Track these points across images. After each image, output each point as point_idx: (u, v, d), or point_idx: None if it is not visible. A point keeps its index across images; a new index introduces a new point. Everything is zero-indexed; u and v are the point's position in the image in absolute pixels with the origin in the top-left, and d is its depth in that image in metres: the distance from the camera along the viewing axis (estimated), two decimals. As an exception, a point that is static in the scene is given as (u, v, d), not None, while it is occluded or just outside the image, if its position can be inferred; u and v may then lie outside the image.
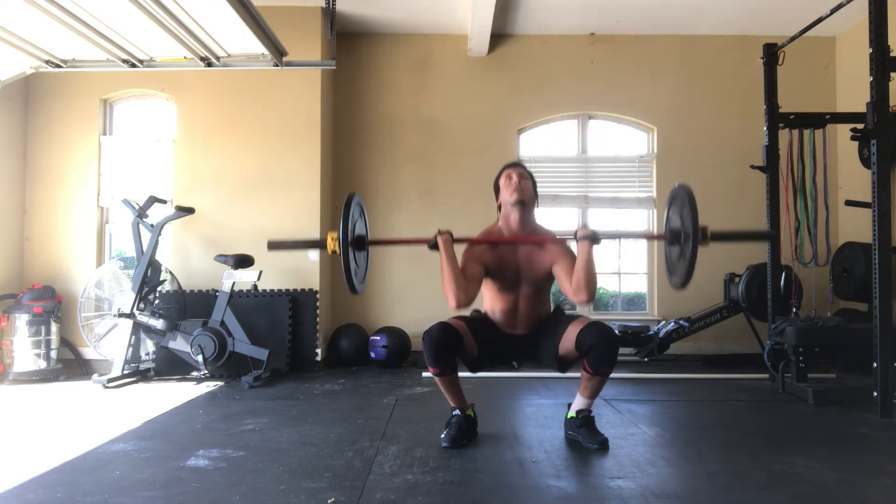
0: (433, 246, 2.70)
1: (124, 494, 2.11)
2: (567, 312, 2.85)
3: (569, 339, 2.62)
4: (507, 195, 2.76)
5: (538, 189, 2.88)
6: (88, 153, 4.89)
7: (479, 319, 2.83)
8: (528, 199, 2.75)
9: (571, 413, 2.79)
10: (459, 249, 2.71)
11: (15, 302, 4.47)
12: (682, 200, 2.65)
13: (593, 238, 2.65)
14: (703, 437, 2.90)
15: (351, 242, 2.62)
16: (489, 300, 2.82)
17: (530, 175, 2.83)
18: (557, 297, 5.44)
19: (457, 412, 2.77)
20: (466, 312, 2.75)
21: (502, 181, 2.81)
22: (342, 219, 2.60)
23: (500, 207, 2.84)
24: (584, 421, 2.72)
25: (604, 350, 2.57)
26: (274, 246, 2.87)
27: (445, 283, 2.60)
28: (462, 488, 2.17)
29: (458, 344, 2.62)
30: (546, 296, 2.85)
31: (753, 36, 5.27)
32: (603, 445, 2.63)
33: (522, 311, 2.77)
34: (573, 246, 2.71)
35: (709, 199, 5.36)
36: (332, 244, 2.61)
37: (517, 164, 2.88)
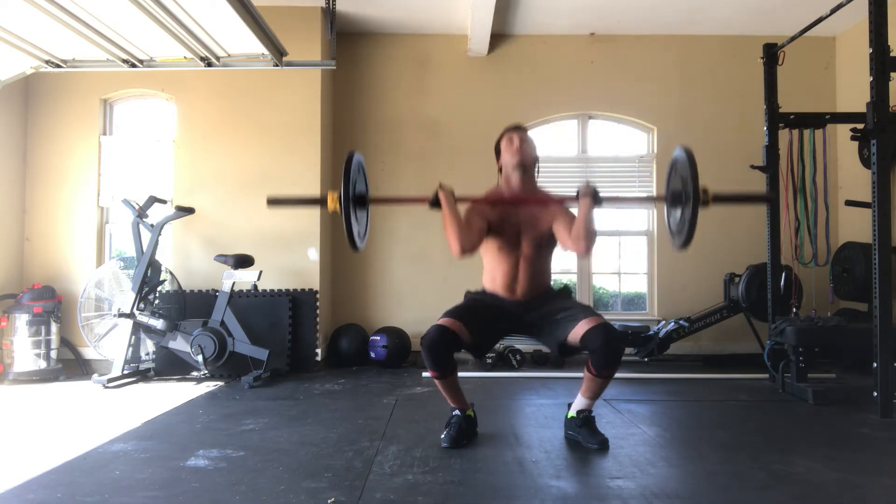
0: (434, 203, 2.68)
1: (124, 494, 2.12)
2: (578, 302, 2.83)
3: (576, 336, 2.62)
4: (509, 158, 2.79)
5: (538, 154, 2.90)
6: (88, 153, 4.89)
7: (474, 301, 2.79)
8: (529, 162, 2.79)
9: (571, 413, 2.79)
10: (461, 210, 2.69)
11: (15, 302, 4.47)
12: (682, 162, 2.62)
13: (594, 195, 2.68)
14: (703, 437, 2.90)
15: (352, 200, 2.59)
16: (489, 265, 2.80)
17: (531, 139, 2.86)
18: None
19: (457, 412, 2.77)
20: (470, 257, 2.71)
21: (503, 144, 2.84)
22: (343, 177, 2.58)
23: (500, 170, 2.87)
24: (585, 421, 2.72)
25: (608, 355, 2.58)
26: (274, 202, 2.83)
27: (449, 230, 2.61)
28: (462, 488, 2.17)
29: (455, 345, 2.62)
30: (547, 261, 2.84)
31: (753, 36, 5.27)
32: (603, 445, 2.63)
33: (523, 275, 2.75)
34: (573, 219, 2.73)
35: (709, 199, 5.41)
36: (332, 203, 2.60)
37: (519, 127, 2.89)
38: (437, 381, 2.72)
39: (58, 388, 4.15)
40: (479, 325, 2.70)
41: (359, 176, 2.71)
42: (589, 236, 2.61)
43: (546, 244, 2.79)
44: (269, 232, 4.78)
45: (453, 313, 2.69)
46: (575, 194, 2.70)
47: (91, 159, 4.89)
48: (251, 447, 2.67)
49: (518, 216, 2.76)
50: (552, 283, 2.89)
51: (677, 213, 2.67)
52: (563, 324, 2.67)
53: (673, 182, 2.74)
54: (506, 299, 2.77)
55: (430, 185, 5.28)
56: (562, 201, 2.80)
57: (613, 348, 2.59)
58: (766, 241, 4.35)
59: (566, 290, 2.89)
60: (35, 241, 4.86)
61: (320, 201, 2.70)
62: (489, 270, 2.82)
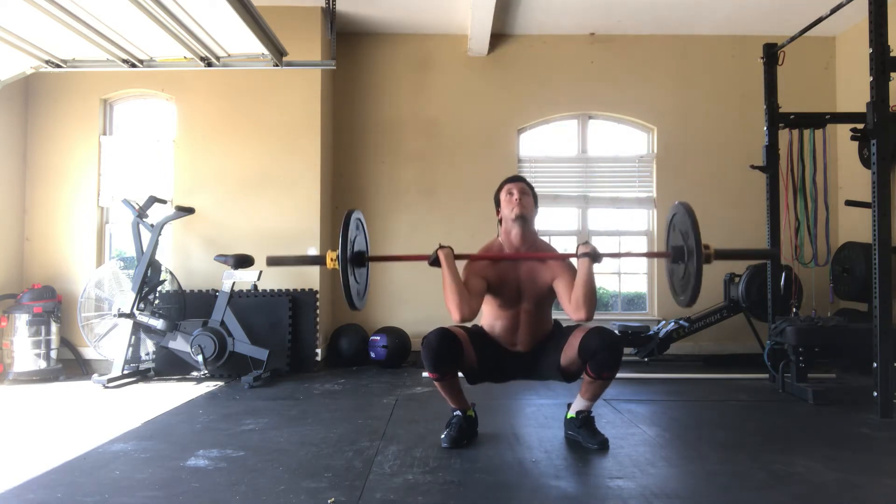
0: (434, 262, 2.68)
1: (124, 494, 2.12)
2: (565, 325, 2.83)
3: (571, 347, 2.62)
4: (508, 211, 2.74)
5: (538, 198, 2.87)
6: (88, 153, 4.89)
7: (480, 333, 2.80)
8: (528, 215, 2.73)
9: (571, 413, 2.80)
10: (460, 266, 2.67)
11: (15, 302, 4.47)
12: (682, 219, 2.63)
13: (594, 256, 2.62)
14: (703, 437, 2.90)
15: (350, 260, 2.61)
16: (489, 317, 2.79)
17: (531, 189, 2.81)
18: None
19: (457, 413, 2.77)
20: (469, 325, 2.74)
21: (503, 196, 2.79)
22: (341, 236, 2.59)
23: (500, 221, 2.82)
24: (584, 421, 2.73)
25: (606, 356, 2.57)
26: (273, 262, 2.86)
27: (448, 296, 2.57)
28: (462, 488, 2.17)
29: (457, 350, 2.61)
30: (547, 313, 2.81)
31: (753, 36, 5.27)
32: (603, 446, 2.64)
33: (523, 328, 2.73)
34: (574, 263, 2.69)
35: (709, 199, 5.42)
36: (331, 263, 2.64)
37: (518, 179, 2.84)
38: (436, 383, 2.70)
39: (58, 388, 4.15)
40: (483, 347, 2.71)
41: (358, 233, 2.71)
42: (589, 302, 2.55)
43: (546, 299, 2.75)
44: (269, 232, 4.78)
45: (460, 326, 2.69)
46: (575, 253, 2.68)
47: (91, 159, 4.89)
48: (251, 447, 2.67)
49: (518, 272, 2.73)
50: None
51: (680, 270, 2.67)
52: (556, 345, 2.69)
53: (673, 238, 2.73)
54: (507, 349, 2.77)
55: (430, 186, 5.40)
56: (563, 257, 2.76)
57: (613, 348, 2.58)
58: (766, 241, 4.35)
59: (557, 324, 2.86)
60: (35, 241, 4.86)
61: (319, 260, 2.73)
62: (488, 321, 2.79)
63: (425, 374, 4.46)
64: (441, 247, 2.68)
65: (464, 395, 2.78)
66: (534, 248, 2.78)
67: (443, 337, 2.58)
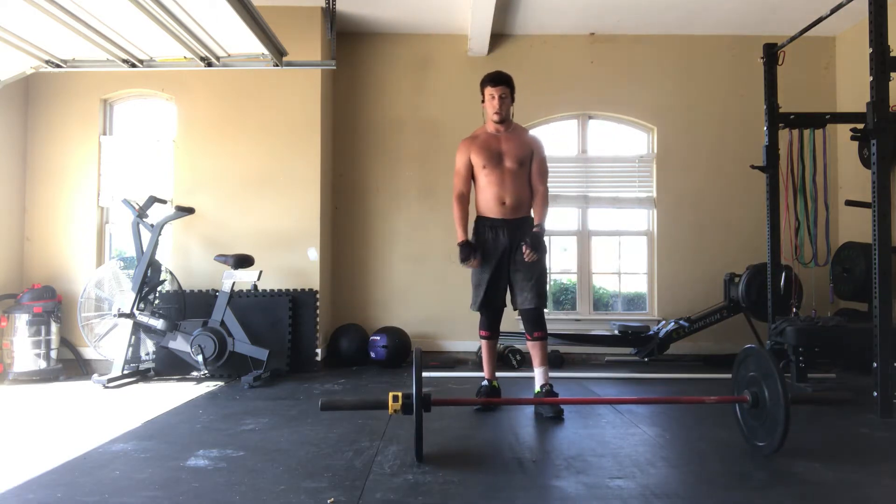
0: (462, 251, 3.35)
1: (124, 494, 2.12)
2: (540, 271, 3.35)
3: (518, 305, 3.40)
4: (491, 112, 3.39)
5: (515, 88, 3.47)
6: (88, 153, 4.89)
7: (478, 272, 3.39)
8: (506, 115, 3.41)
9: (537, 388, 3.32)
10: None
11: (15, 302, 4.47)
12: (763, 367, 2.58)
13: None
14: (703, 437, 2.90)
15: (422, 404, 2.48)
16: (481, 188, 3.41)
17: (510, 88, 3.39)
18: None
19: (485, 383, 3.43)
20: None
21: (486, 94, 3.40)
22: (414, 377, 2.46)
23: (485, 108, 3.45)
24: (548, 395, 3.28)
25: (529, 321, 3.33)
26: (328, 408, 2.61)
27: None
28: (462, 488, 2.17)
29: (501, 311, 3.46)
30: (526, 179, 3.41)
31: (753, 36, 5.27)
32: (558, 415, 3.16)
33: (508, 183, 3.34)
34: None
35: (708, 199, 5.43)
36: (393, 405, 2.47)
37: (500, 82, 3.37)
38: (484, 342, 3.46)
39: (58, 388, 4.15)
40: (493, 294, 3.38)
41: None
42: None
43: (524, 162, 3.38)
44: (269, 232, 4.78)
45: (484, 304, 3.39)
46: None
47: (91, 159, 4.89)
48: (251, 447, 2.67)
49: (500, 143, 3.40)
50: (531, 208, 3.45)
51: (756, 415, 2.62)
52: (522, 292, 3.34)
53: (751, 384, 2.66)
54: (496, 219, 3.35)
55: (431, 185, 5.41)
56: (533, 143, 3.46)
57: (532, 316, 3.31)
58: (767, 241, 4.35)
59: (538, 241, 3.33)
60: (35, 241, 4.85)
61: (380, 405, 2.51)
62: (481, 193, 3.42)
63: (425, 373, 4.44)
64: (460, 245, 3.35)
65: (495, 363, 3.47)
66: (513, 130, 3.45)
67: (496, 309, 3.43)
